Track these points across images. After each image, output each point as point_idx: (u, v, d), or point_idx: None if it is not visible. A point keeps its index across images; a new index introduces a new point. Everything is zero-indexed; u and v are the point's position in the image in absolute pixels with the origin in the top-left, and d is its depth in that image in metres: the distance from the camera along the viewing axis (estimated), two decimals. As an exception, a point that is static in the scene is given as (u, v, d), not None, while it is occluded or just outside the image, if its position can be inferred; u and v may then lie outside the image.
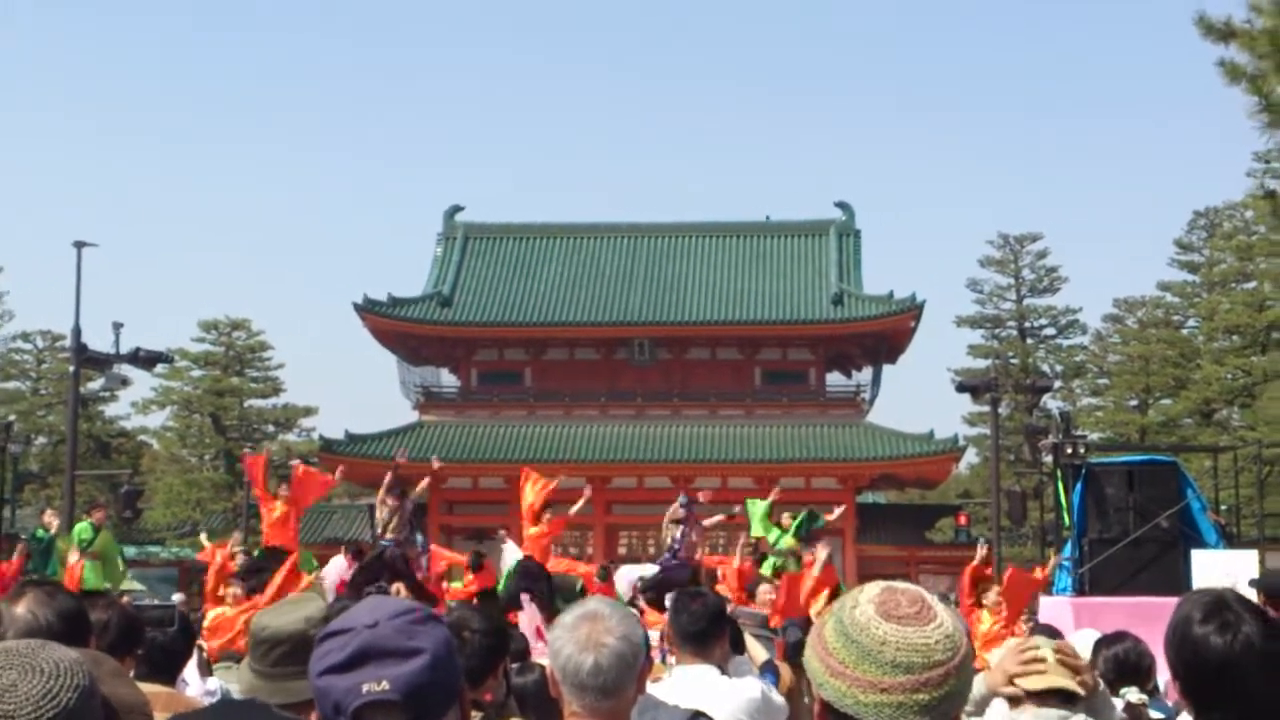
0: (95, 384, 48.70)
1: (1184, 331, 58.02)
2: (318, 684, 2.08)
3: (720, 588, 17.85)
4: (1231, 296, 54.60)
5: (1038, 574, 18.99)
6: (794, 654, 10.63)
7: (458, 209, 60.16)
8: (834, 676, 2.17)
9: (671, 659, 5.92)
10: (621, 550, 50.80)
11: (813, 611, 15.27)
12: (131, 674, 4.16)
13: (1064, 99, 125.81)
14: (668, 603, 5.88)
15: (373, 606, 2.14)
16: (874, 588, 2.25)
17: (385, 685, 2.03)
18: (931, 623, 2.17)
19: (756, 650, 7.55)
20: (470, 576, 19.82)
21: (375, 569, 18.82)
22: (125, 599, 7.46)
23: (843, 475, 51.95)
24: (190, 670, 7.07)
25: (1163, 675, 5.47)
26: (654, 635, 7.34)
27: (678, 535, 20.40)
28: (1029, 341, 59.48)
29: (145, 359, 30.32)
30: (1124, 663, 5.21)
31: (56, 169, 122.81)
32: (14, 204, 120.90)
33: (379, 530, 20.01)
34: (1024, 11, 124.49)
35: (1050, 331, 60.13)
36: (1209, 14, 14.20)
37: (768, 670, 7.33)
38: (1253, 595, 10.82)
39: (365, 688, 2.03)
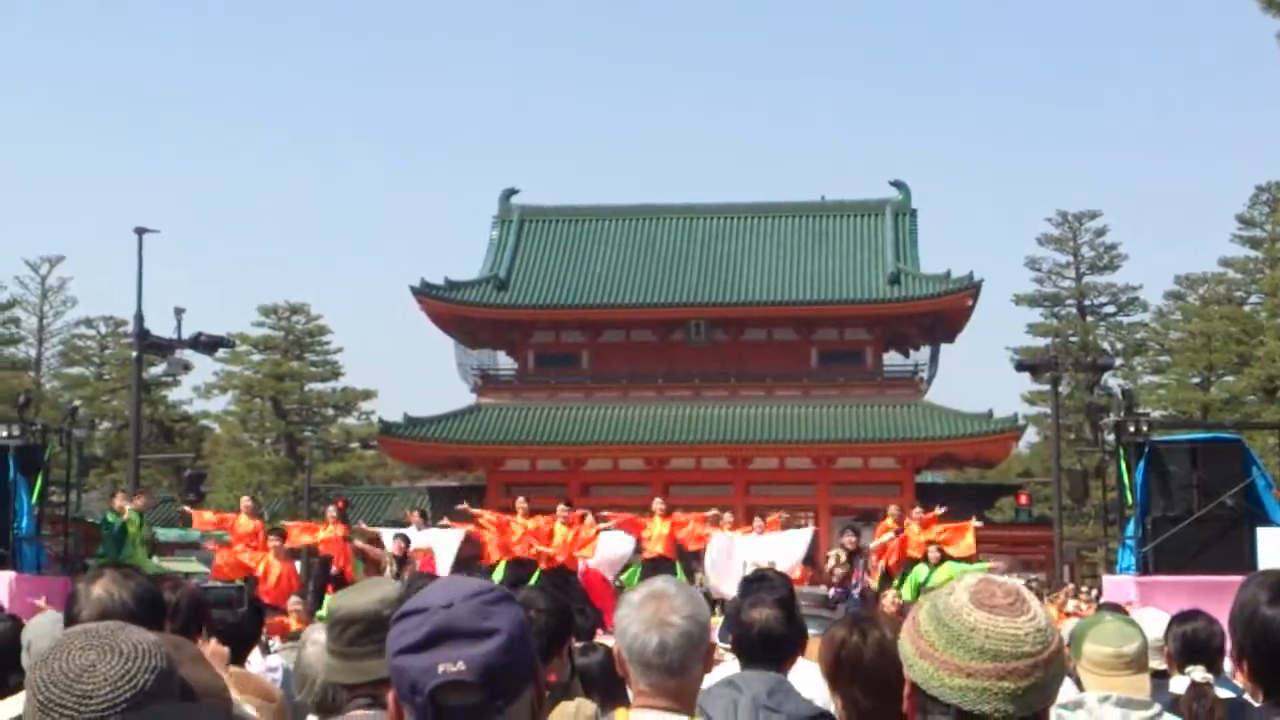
0: (158, 369, 49.37)
1: (1246, 308, 57.31)
2: (394, 663, 2.11)
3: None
4: (1294, 272, 53.90)
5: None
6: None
7: (513, 192, 60.17)
8: (923, 658, 2.23)
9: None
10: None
11: None
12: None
13: (1121, 74, 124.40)
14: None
15: (448, 587, 2.17)
16: (972, 577, 2.31)
17: (461, 666, 2.06)
18: (1023, 615, 2.21)
19: None
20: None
21: None
22: (193, 580, 7.58)
23: (901, 455, 51.74)
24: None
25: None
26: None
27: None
28: (1089, 319, 58.94)
29: (206, 344, 30.57)
30: (1193, 641, 5.14)
31: (117, 156, 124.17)
32: (76, 191, 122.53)
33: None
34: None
35: (1110, 309, 59.62)
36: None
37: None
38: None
39: (441, 668, 2.06)
